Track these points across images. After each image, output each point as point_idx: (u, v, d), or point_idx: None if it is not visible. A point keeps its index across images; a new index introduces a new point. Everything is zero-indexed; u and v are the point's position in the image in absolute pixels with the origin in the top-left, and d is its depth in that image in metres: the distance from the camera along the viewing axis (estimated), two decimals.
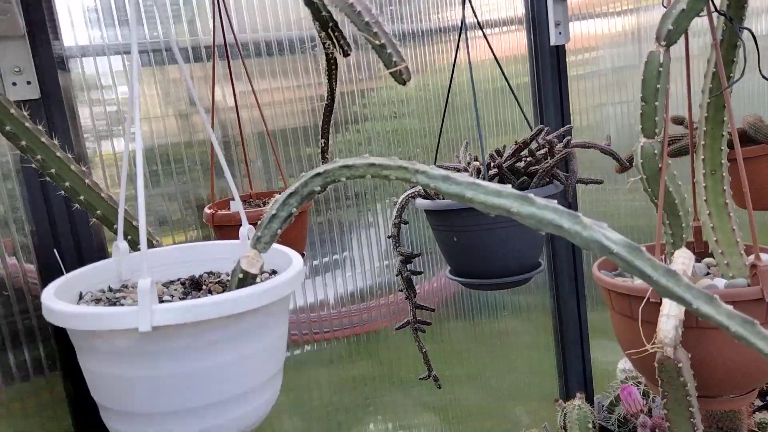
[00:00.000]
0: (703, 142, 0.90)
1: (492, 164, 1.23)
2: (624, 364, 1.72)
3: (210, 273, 0.66)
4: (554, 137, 1.26)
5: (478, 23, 1.34)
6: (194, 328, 0.48)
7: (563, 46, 1.66)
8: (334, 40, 0.61)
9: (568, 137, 1.24)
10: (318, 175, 0.52)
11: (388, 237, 1.32)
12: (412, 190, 1.30)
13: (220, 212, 1.06)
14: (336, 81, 0.80)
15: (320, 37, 0.65)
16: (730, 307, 0.48)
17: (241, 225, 0.66)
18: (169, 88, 1.36)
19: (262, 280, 0.56)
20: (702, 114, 0.89)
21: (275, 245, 0.62)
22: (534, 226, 0.50)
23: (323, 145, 0.92)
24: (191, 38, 1.34)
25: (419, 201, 1.26)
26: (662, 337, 0.72)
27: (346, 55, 0.61)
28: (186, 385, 0.50)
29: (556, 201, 0.51)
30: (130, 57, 0.58)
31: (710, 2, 0.78)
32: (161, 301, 0.55)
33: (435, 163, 1.38)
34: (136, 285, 0.60)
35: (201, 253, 0.69)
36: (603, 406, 1.67)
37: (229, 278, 0.57)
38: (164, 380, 0.50)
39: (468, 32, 1.69)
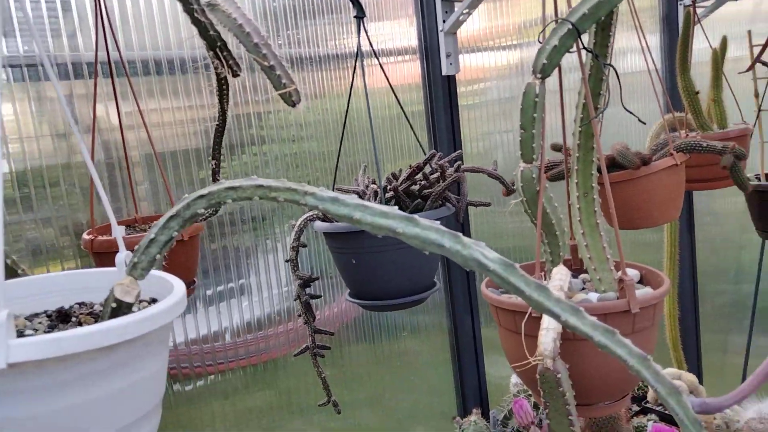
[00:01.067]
0: (576, 167, 0.98)
1: (388, 187, 1.25)
2: (516, 378, 1.80)
3: (82, 304, 0.61)
4: (446, 162, 1.31)
5: (374, 51, 1.37)
6: (59, 364, 0.44)
7: (454, 76, 1.74)
8: (222, 61, 0.60)
9: (459, 162, 1.30)
10: (202, 197, 0.50)
11: (286, 261, 1.30)
12: (311, 212, 1.29)
13: (100, 238, 0.99)
14: (227, 101, 0.79)
15: (209, 56, 0.64)
16: (594, 319, 0.52)
17: None
18: (45, 105, 1.27)
19: (140, 309, 0.53)
20: (575, 141, 0.97)
21: (156, 272, 0.59)
22: (419, 246, 0.52)
23: (214, 166, 0.89)
24: (71, 53, 1.26)
25: (318, 224, 1.26)
26: (542, 349, 0.76)
27: (235, 75, 0.60)
28: (51, 426, 0.46)
29: (439, 222, 0.53)
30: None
31: (579, 41, 0.85)
32: (22, 335, 0.50)
33: (334, 186, 1.39)
34: None
35: (72, 282, 0.64)
36: (498, 420, 1.73)
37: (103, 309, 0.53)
38: (25, 422, 0.45)
39: (365, 60, 1.75)
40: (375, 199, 1.29)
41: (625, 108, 0.87)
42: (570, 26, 0.80)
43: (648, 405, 1.84)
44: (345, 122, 1.34)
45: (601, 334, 0.51)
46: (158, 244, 0.50)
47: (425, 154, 1.29)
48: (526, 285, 0.52)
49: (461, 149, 1.75)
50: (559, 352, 0.77)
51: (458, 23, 1.62)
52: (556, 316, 0.51)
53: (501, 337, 0.96)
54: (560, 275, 0.85)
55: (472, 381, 1.86)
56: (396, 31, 1.80)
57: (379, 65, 1.39)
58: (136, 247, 0.51)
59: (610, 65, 0.88)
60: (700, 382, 2.50)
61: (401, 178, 1.26)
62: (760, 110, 1.90)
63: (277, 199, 0.50)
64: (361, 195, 1.35)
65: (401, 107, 1.37)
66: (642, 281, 0.98)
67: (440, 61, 1.69)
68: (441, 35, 1.67)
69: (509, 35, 2.05)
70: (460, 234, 0.52)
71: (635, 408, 1.85)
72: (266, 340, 1.65)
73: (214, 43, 0.59)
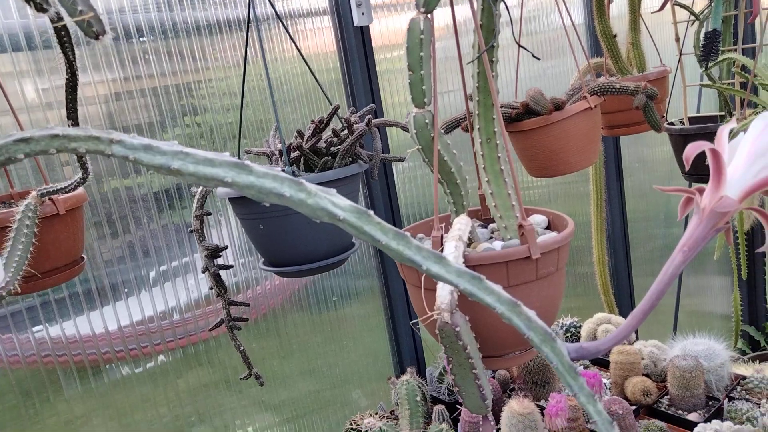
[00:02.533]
0: (477, 112, 0.93)
1: (292, 146, 1.18)
2: None
3: None
4: (357, 116, 1.25)
5: (276, 14, 1.27)
6: None
7: (368, 28, 1.66)
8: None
9: (369, 116, 1.23)
10: None
11: (190, 231, 1.21)
12: None
13: None
14: (72, 51, 0.69)
15: None
16: (459, 266, 0.47)
17: None
18: None
19: None
20: (473, 85, 0.92)
21: None
22: (255, 197, 0.45)
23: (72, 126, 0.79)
24: None
25: (220, 190, 1.18)
26: (439, 303, 0.72)
27: (39, 9, 0.51)
28: None
29: (278, 170, 0.46)
30: None
31: None
32: None
33: (239, 150, 1.30)
34: None
35: None
36: (434, 377, 1.73)
37: None
38: None
39: (277, 24, 1.64)
40: (281, 159, 1.22)
41: (518, 44, 0.82)
42: None
43: None
44: (243, 89, 1.25)
45: (467, 281, 0.47)
46: None
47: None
48: (383, 233, 0.46)
49: (373, 105, 1.69)
50: (457, 305, 0.73)
51: None
52: (417, 265, 0.46)
53: (409, 293, 0.92)
54: (460, 224, 0.81)
55: (408, 341, 1.84)
56: None
57: (284, 27, 1.30)
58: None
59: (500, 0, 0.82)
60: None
61: (306, 135, 1.19)
62: (681, 54, 1.91)
63: (77, 150, 0.42)
64: (270, 156, 1.28)
65: (308, 66, 1.29)
66: (550, 227, 0.95)
67: (351, 13, 1.61)
68: None
69: None
70: (304, 181, 0.45)
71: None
72: (197, 321, 1.59)
73: None
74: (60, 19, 0.57)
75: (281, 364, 1.76)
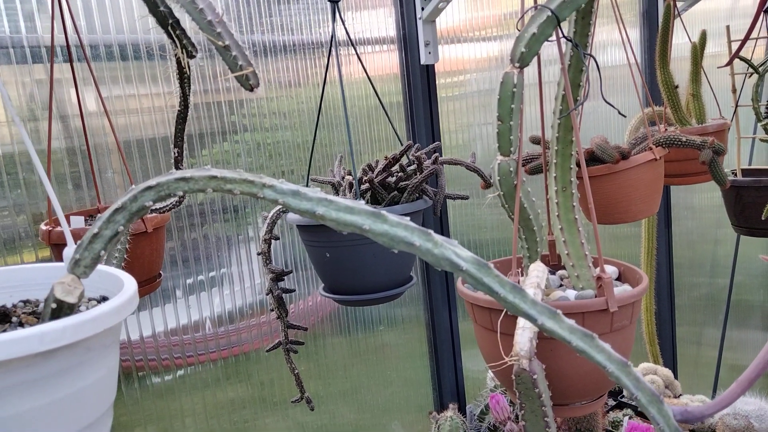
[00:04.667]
0: (555, 161, 0.95)
1: (364, 179, 1.22)
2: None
3: (26, 302, 0.57)
4: (423, 153, 1.28)
5: (350, 38, 1.33)
6: None
7: (433, 65, 1.71)
8: (175, 40, 0.56)
9: (437, 154, 1.27)
10: (150, 188, 0.46)
11: (258, 254, 1.25)
12: None
13: (58, 229, 0.94)
14: (189, 85, 0.74)
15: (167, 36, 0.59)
16: (572, 323, 0.49)
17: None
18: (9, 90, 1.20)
19: (88, 308, 0.49)
20: (553, 134, 0.95)
21: (105, 268, 0.55)
22: (387, 244, 0.48)
23: (177, 155, 0.84)
24: (29, 35, 1.19)
25: (290, 216, 1.22)
26: (518, 349, 0.74)
27: (190, 56, 0.56)
28: None
29: (409, 219, 0.49)
30: None
31: (559, 29, 0.82)
32: None
33: (308, 177, 1.35)
34: None
35: (19, 278, 0.59)
36: (474, 415, 1.72)
37: None
38: None
39: (343, 49, 1.70)
40: (350, 191, 1.25)
41: (605, 100, 0.85)
42: (549, 13, 0.77)
43: (624, 400, 1.85)
44: (319, 112, 1.30)
45: (579, 338, 0.49)
46: (103, 239, 0.46)
47: (402, 146, 1.26)
48: (501, 286, 0.49)
49: (440, 141, 1.72)
50: (535, 352, 0.75)
51: (437, 11, 1.58)
52: (532, 320, 0.49)
53: (476, 334, 0.93)
54: (537, 271, 0.83)
55: (449, 375, 1.85)
56: (374, 19, 1.75)
57: (355, 54, 1.35)
58: (78, 242, 0.47)
59: (591, 55, 0.85)
60: (675, 374, 2.53)
61: (377, 170, 1.22)
62: (737, 106, 1.91)
63: (232, 191, 0.46)
64: (336, 186, 1.32)
65: (378, 96, 1.34)
66: (620, 278, 0.96)
67: (419, 51, 1.66)
68: (419, 23, 1.63)
69: (490, 27, 2.02)
70: (431, 231, 0.48)
71: (611, 402, 1.85)
72: (240, 333, 1.62)
73: (165, 21, 0.55)
74: (191, 56, 0.62)
75: (322, 386, 1.78)
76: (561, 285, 0.96)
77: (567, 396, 0.85)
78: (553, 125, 0.94)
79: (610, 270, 0.95)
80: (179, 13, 0.53)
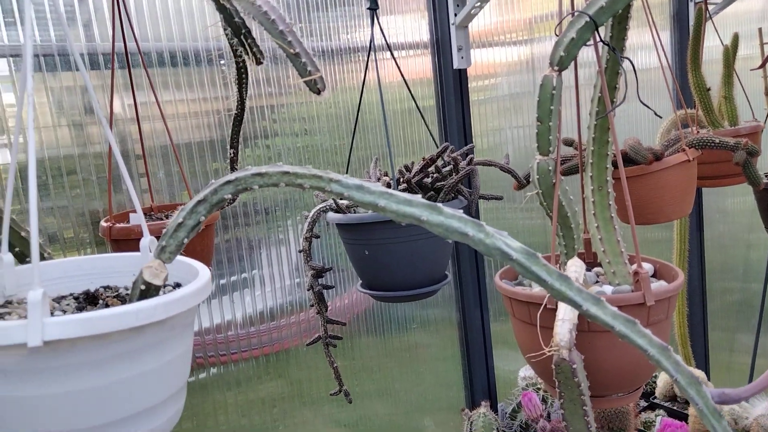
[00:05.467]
0: (591, 161, 0.98)
1: (401, 179, 1.26)
2: (525, 371, 1.81)
3: (107, 287, 0.62)
4: (458, 155, 1.32)
5: (387, 45, 1.37)
6: (90, 343, 0.45)
7: (465, 70, 1.74)
8: (247, 48, 0.61)
9: (471, 155, 1.30)
10: (229, 182, 0.51)
11: (299, 251, 1.30)
12: (324, 204, 1.30)
13: (118, 225, 1.00)
14: (246, 90, 0.79)
15: (231, 44, 0.64)
16: (615, 309, 0.52)
17: (141, 238, 0.63)
18: (62, 96, 1.28)
19: (165, 293, 0.54)
20: (590, 135, 0.97)
21: (180, 257, 0.60)
22: (442, 234, 0.52)
23: (232, 155, 0.90)
24: (88, 43, 1.27)
25: (331, 215, 1.27)
26: (558, 340, 0.77)
27: (258, 63, 0.61)
28: (81, 404, 0.47)
29: (461, 212, 0.53)
30: (21, 60, 0.54)
31: (596, 33, 0.85)
32: (51, 315, 0.51)
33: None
34: (22, 300, 0.56)
35: (97, 267, 0.65)
36: (506, 413, 1.74)
37: (129, 292, 0.54)
38: (56, 399, 0.46)
39: (377, 54, 1.75)
40: None
41: (641, 101, 0.88)
42: (587, 19, 0.81)
43: (656, 401, 1.85)
44: (358, 115, 1.35)
45: (622, 323, 0.52)
46: (186, 228, 0.51)
47: (437, 148, 1.29)
48: (548, 274, 0.52)
49: (472, 143, 1.75)
50: (574, 344, 0.78)
51: (470, 17, 1.62)
52: (577, 306, 0.52)
53: (515, 328, 0.96)
54: (575, 267, 0.86)
55: (481, 374, 1.87)
56: (408, 25, 1.80)
57: (392, 58, 1.40)
58: (164, 230, 0.52)
59: (627, 59, 0.88)
60: (708, 380, 2.50)
61: (414, 171, 1.26)
62: None
63: (303, 185, 0.50)
64: None
65: (414, 100, 1.38)
66: (655, 275, 0.98)
67: (452, 55, 1.70)
68: (452, 29, 1.67)
69: (520, 30, 2.05)
70: (483, 223, 0.52)
71: (643, 404, 1.85)
72: (278, 331, 1.67)
73: (239, 30, 0.59)
74: (259, 63, 0.67)
75: (357, 383, 1.82)
76: (597, 281, 0.99)
77: (604, 388, 0.87)
78: (590, 126, 0.97)
79: (646, 267, 0.97)
80: (250, 23, 0.58)
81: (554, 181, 0.87)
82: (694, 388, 0.51)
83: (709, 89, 1.78)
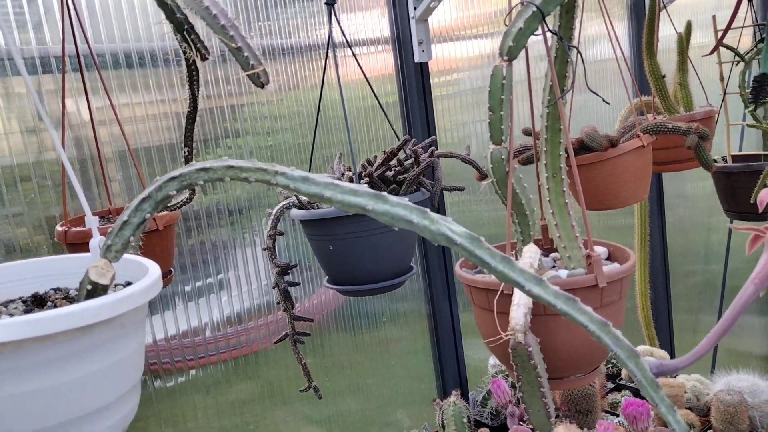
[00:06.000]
0: (545, 149, 1.00)
1: (363, 173, 1.27)
2: (494, 359, 1.84)
3: (57, 289, 0.62)
4: (420, 148, 1.33)
5: (347, 42, 1.38)
6: (37, 344, 0.45)
7: (427, 63, 1.76)
8: (190, 44, 0.60)
9: (433, 147, 1.32)
10: (173, 178, 0.51)
11: (264, 249, 1.30)
12: (287, 200, 1.30)
13: (73, 229, 0.99)
14: (198, 88, 0.79)
15: (177, 40, 0.64)
16: (556, 288, 0.54)
17: None
18: (13, 101, 1.25)
19: (115, 292, 0.54)
20: (543, 124, 1.00)
21: (130, 256, 0.60)
22: (388, 222, 0.53)
23: (187, 154, 0.89)
24: (39, 46, 1.24)
25: (294, 211, 1.27)
26: (513, 324, 0.78)
27: (203, 59, 0.61)
28: (31, 405, 0.46)
29: (407, 200, 0.54)
30: None
31: (544, 23, 0.87)
32: None
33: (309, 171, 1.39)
34: None
35: (47, 269, 0.64)
36: (477, 401, 1.77)
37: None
38: (6, 402, 0.46)
39: (339, 50, 1.75)
40: None
41: (590, 89, 0.90)
42: (534, 9, 0.82)
43: (622, 382, 1.90)
44: (318, 112, 1.35)
45: (563, 302, 0.54)
46: (131, 226, 0.51)
47: (400, 141, 1.31)
48: (492, 257, 0.54)
49: (434, 136, 1.77)
50: (530, 327, 0.80)
51: (429, 10, 1.63)
52: (520, 286, 0.53)
53: (475, 315, 0.98)
54: (530, 253, 0.88)
55: (452, 365, 1.89)
56: (369, 20, 1.80)
57: (352, 54, 1.40)
58: (109, 229, 0.52)
59: (575, 47, 0.90)
60: (673, 358, 2.57)
61: (376, 164, 1.27)
62: (725, 93, 1.96)
63: (248, 179, 0.51)
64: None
65: (374, 94, 1.39)
66: (610, 258, 1.01)
67: (412, 49, 1.71)
68: (412, 22, 1.68)
69: (482, 25, 2.07)
70: (428, 210, 0.53)
71: (610, 385, 1.90)
72: (247, 333, 1.66)
73: (182, 26, 0.59)
74: (204, 58, 0.67)
75: (327, 381, 1.83)
76: (554, 266, 1.01)
77: (562, 369, 0.90)
78: (542, 115, 0.99)
79: (600, 250, 1.00)
80: (194, 19, 0.58)
81: (507, 169, 0.89)
82: (633, 361, 0.53)
83: (664, 76, 1.82)
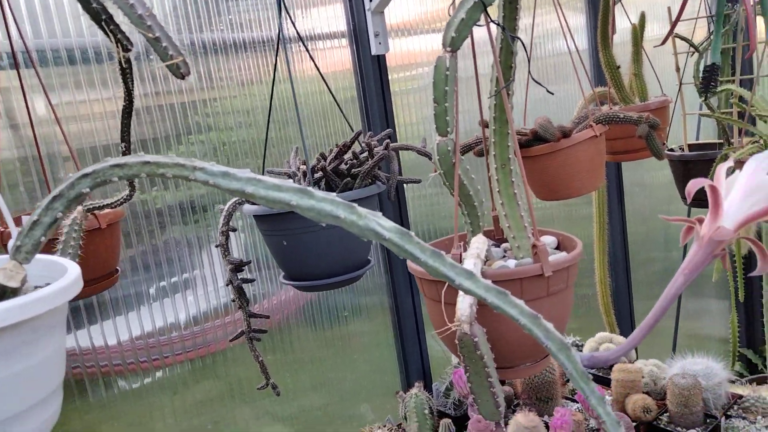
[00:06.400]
0: (493, 140, 1.00)
1: (316, 167, 1.25)
2: None
3: None
4: (375, 140, 1.32)
5: (298, 34, 1.36)
6: None
7: (384, 56, 1.75)
8: (110, 35, 0.58)
9: (388, 140, 1.31)
10: (86, 175, 0.49)
11: (216, 246, 1.28)
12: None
13: (8, 230, 0.95)
14: (132, 81, 0.76)
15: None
16: (488, 282, 0.54)
17: None
18: None
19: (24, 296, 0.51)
20: (491, 115, 0.99)
21: (48, 257, 0.57)
22: (315, 218, 0.52)
23: (124, 149, 0.87)
24: None
25: (246, 207, 1.25)
26: (459, 315, 0.78)
27: (125, 50, 0.58)
28: None
29: (335, 195, 0.53)
30: None
31: (487, 14, 0.87)
32: None
33: (263, 169, 1.37)
34: None
35: None
36: (440, 392, 1.78)
37: None
38: None
39: (296, 46, 1.73)
40: (305, 180, 1.29)
41: (533, 79, 0.90)
42: None
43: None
44: (270, 107, 1.33)
45: (495, 295, 0.53)
46: (42, 226, 0.49)
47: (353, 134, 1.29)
48: (422, 252, 0.53)
49: (390, 129, 1.76)
50: (476, 317, 0.79)
51: (385, 2, 1.62)
52: (450, 280, 0.53)
53: (427, 307, 0.98)
54: (478, 244, 0.88)
55: (415, 357, 1.90)
56: (325, 14, 1.78)
57: (304, 48, 1.38)
58: (18, 230, 0.49)
59: (518, 38, 0.90)
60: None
61: (329, 158, 1.26)
62: (681, 84, 1.99)
63: (165, 175, 0.49)
64: (292, 176, 1.35)
65: (328, 87, 1.37)
66: (559, 247, 1.02)
67: (369, 41, 1.69)
68: (368, 14, 1.67)
69: (441, 20, 2.07)
70: (355, 205, 0.52)
71: None
72: (214, 331, 1.64)
73: (99, 17, 0.57)
74: (126, 50, 0.64)
75: (291, 377, 1.81)
76: (504, 256, 1.01)
77: (511, 359, 0.90)
78: (490, 106, 0.99)
79: (549, 240, 1.01)
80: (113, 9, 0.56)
81: (454, 161, 0.88)
82: (564, 354, 0.53)
83: (618, 67, 1.85)
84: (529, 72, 0.92)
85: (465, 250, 0.95)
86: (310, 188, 0.52)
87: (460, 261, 0.88)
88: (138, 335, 1.52)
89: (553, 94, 1.06)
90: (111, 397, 1.50)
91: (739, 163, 1.44)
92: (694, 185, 0.57)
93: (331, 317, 1.86)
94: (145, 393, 1.55)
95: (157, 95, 1.51)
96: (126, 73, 0.74)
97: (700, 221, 0.58)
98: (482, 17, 0.86)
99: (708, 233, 0.56)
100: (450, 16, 0.87)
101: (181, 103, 1.56)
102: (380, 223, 0.52)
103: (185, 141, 1.59)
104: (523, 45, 0.89)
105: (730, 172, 0.61)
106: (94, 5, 0.56)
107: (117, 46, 0.58)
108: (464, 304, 0.78)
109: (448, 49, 0.84)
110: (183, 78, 0.52)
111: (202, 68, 1.58)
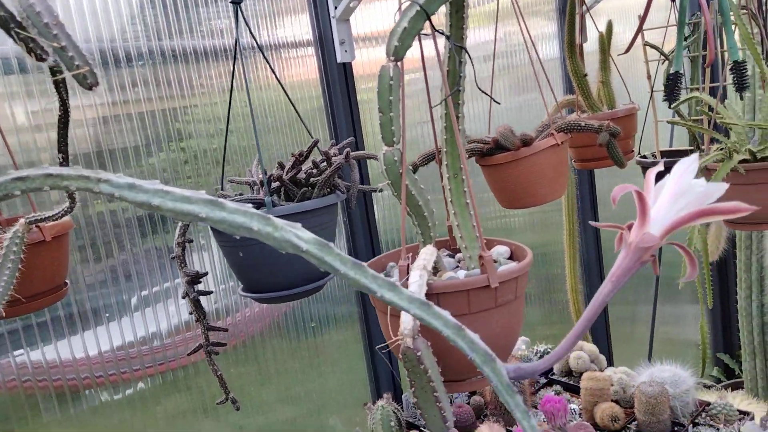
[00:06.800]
0: (445, 150, 0.99)
1: (273, 177, 1.24)
2: None
3: None
4: (335, 149, 1.31)
5: (256, 42, 1.34)
6: None
7: (350, 64, 1.74)
8: (21, 44, 0.56)
9: (348, 149, 1.30)
10: None
11: (172, 258, 1.26)
12: None
13: None
14: (66, 91, 0.74)
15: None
16: (410, 293, 0.52)
17: None
18: None
19: None
20: (442, 125, 0.99)
21: None
22: (228, 230, 0.51)
23: (62, 160, 0.84)
24: None
25: None
26: (402, 328, 0.77)
27: (39, 59, 0.57)
28: None
29: (249, 206, 0.52)
30: None
31: (431, 23, 0.86)
32: None
33: (222, 179, 1.36)
34: None
35: None
36: (410, 403, 1.76)
37: None
38: None
39: (270, 53, 1.72)
40: (261, 189, 1.27)
41: (479, 88, 0.89)
42: (418, 8, 0.81)
43: (554, 377, 1.92)
44: (228, 118, 1.31)
45: (417, 307, 0.52)
46: None
47: (323, 146, 1.28)
48: (342, 264, 0.52)
49: (363, 143, 1.75)
50: (419, 330, 0.78)
51: (349, 10, 1.61)
52: (372, 292, 0.52)
53: (379, 319, 0.97)
54: (425, 255, 0.87)
55: (385, 368, 1.88)
56: (291, 22, 1.77)
57: (263, 57, 1.37)
58: None
59: (463, 47, 0.90)
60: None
61: (287, 167, 1.24)
62: (653, 91, 2.01)
63: (69, 187, 0.47)
64: (252, 185, 1.33)
65: (286, 94, 1.36)
66: (512, 257, 1.01)
67: (335, 49, 1.69)
68: (334, 22, 1.66)
69: None
70: (271, 216, 0.51)
71: (543, 380, 1.92)
72: (185, 344, 1.62)
73: (7, 25, 0.55)
74: (40, 59, 0.63)
75: (260, 390, 1.79)
76: (457, 267, 1.00)
77: (461, 371, 0.89)
78: (441, 116, 0.98)
79: (502, 249, 1.00)
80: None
81: (401, 171, 0.87)
82: (488, 366, 0.52)
83: (585, 75, 1.86)
84: (476, 81, 0.91)
85: (412, 261, 0.94)
86: (220, 200, 0.50)
87: (407, 272, 0.87)
88: (105, 349, 1.50)
89: (499, 103, 1.05)
90: (78, 412, 1.47)
91: (706, 171, 1.45)
92: (619, 191, 0.57)
93: (299, 328, 1.84)
94: (115, 407, 1.52)
95: (126, 104, 1.50)
96: (59, 84, 0.72)
97: (630, 228, 0.57)
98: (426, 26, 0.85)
99: (634, 240, 0.55)
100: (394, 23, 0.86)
101: (150, 111, 1.55)
102: (298, 235, 0.51)
103: (165, 148, 1.58)
104: (468, 55, 0.88)
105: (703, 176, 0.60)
106: (2, 13, 0.54)
107: (30, 55, 0.57)
108: (407, 317, 0.77)
109: (392, 58, 0.83)
110: (90, 89, 0.50)
111: (185, 74, 1.58)
